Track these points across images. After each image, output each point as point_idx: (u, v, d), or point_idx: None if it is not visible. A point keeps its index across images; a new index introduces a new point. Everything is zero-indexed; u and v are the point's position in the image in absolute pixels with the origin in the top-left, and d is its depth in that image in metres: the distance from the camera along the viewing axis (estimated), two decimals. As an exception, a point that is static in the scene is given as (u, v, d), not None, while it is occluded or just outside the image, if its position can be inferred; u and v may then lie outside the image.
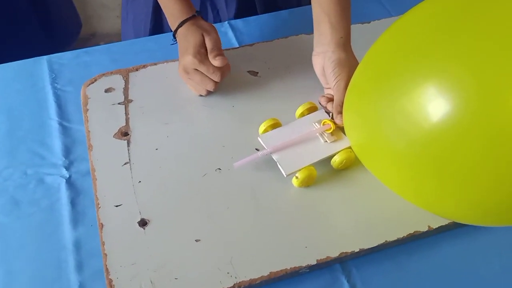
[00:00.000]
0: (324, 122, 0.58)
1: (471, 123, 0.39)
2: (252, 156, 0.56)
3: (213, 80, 0.62)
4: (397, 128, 0.45)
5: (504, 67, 0.38)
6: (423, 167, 0.45)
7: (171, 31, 0.65)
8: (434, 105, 0.41)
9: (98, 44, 0.82)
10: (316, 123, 0.59)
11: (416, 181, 0.47)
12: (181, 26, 0.63)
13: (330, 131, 0.58)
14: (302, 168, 0.55)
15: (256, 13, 0.82)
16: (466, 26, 0.41)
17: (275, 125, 0.60)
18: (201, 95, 0.65)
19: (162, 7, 0.66)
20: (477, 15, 0.41)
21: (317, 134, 0.58)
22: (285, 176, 0.55)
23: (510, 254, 0.55)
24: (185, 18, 0.63)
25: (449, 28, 0.42)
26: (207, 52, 0.61)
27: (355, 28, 0.75)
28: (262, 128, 0.59)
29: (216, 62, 0.60)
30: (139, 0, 0.82)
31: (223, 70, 0.62)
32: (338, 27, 0.61)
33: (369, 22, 0.77)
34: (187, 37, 0.62)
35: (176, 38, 0.64)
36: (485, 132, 0.39)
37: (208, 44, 0.62)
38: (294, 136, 0.57)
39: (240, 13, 0.81)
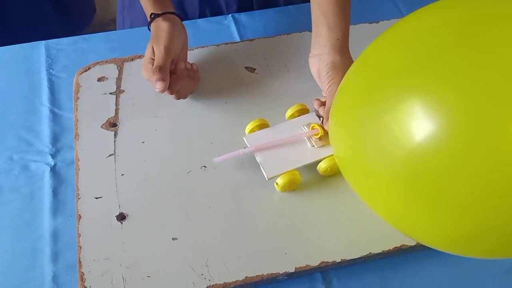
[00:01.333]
0: (313, 126, 0.56)
1: (454, 145, 0.36)
2: (233, 153, 0.54)
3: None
4: (379, 145, 0.42)
5: (492, 91, 0.35)
6: (400, 187, 0.41)
7: None
8: (418, 124, 0.38)
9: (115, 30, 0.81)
10: (305, 126, 0.57)
11: (398, 203, 0.43)
12: (150, 23, 0.62)
13: (318, 136, 0.55)
14: (285, 173, 0.53)
15: None
16: (456, 46, 0.38)
17: (262, 126, 0.58)
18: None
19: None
20: (467, 36, 0.38)
21: (305, 138, 0.56)
22: (267, 179, 0.53)
23: (504, 276, 0.52)
24: (149, 20, 0.62)
25: (438, 46, 0.39)
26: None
27: (363, 28, 0.73)
28: (248, 128, 0.57)
29: (157, 86, 0.56)
30: (136, 6, 0.80)
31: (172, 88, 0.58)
32: (335, 29, 0.58)
33: (377, 22, 0.74)
34: (152, 37, 0.61)
35: None
36: (467, 155, 0.36)
37: (155, 59, 0.58)
38: (280, 138, 0.55)
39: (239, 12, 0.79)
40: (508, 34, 0.37)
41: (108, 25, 1.72)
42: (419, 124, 0.37)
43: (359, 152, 0.44)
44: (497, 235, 0.38)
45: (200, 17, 0.78)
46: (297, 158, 0.54)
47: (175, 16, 0.62)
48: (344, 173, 0.50)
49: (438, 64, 0.38)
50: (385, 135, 0.40)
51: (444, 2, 0.44)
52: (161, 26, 0.60)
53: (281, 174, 0.53)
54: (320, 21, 0.59)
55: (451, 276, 0.52)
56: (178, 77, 0.59)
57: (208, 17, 0.77)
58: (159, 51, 0.58)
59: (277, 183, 0.53)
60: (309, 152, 0.55)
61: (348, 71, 0.50)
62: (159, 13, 0.61)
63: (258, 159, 0.54)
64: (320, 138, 0.55)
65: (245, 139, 0.56)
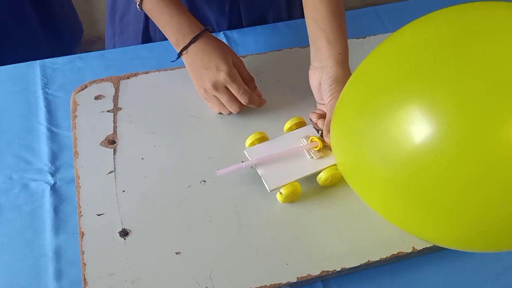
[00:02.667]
0: (312, 139, 0.58)
1: (452, 148, 0.39)
2: (236, 166, 0.55)
3: (239, 103, 0.62)
4: (379, 149, 0.44)
5: (484, 95, 0.38)
6: (405, 190, 0.44)
7: None
8: (416, 128, 0.40)
9: (103, 48, 0.82)
10: (304, 139, 0.58)
11: (397, 204, 0.46)
12: (195, 41, 0.62)
13: (317, 149, 0.57)
14: (286, 184, 0.54)
15: None
16: (448, 55, 0.41)
17: (262, 139, 0.59)
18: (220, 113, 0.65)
19: (161, 26, 0.63)
20: (458, 46, 0.41)
21: (304, 150, 0.58)
22: (268, 191, 0.55)
23: (496, 280, 0.54)
24: (198, 32, 0.62)
25: (432, 56, 0.42)
26: (237, 72, 0.62)
27: (350, 43, 0.75)
28: (248, 141, 0.59)
29: (257, 92, 0.63)
30: (128, 33, 0.81)
31: (251, 95, 0.62)
32: (335, 43, 0.60)
33: (364, 37, 0.76)
34: (208, 53, 0.61)
35: (185, 55, 0.63)
36: (466, 157, 0.38)
37: (243, 70, 0.64)
38: (280, 151, 0.57)
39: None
40: (495, 43, 0.40)
41: (95, 42, 1.73)
42: (417, 128, 0.40)
43: (361, 157, 0.47)
44: (494, 233, 0.41)
45: None
46: (298, 169, 0.56)
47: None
48: (348, 179, 0.52)
49: (433, 71, 0.41)
50: (385, 139, 0.43)
51: (434, 16, 0.46)
52: (218, 40, 0.63)
53: (282, 186, 0.54)
54: (318, 36, 0.61)
55: (446, 282, 0.54)
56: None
57: None
58: (240, 60, 0.64)
59: (280, 193, 0.55)
60: (308, 164, 0.57)
61: (347, 82, 0.52)
62: (200, 31, 0.62)
63: (259, 171, 0.56)
64: (319, 150, 0.57)
65: (246, 152, 0.57)
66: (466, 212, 0.41)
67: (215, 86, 0.61)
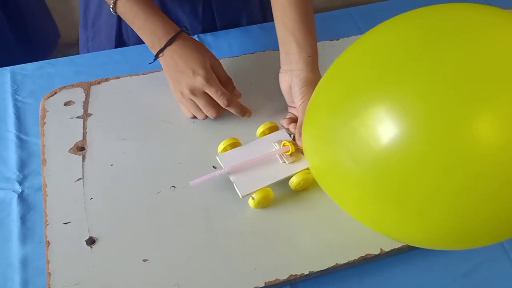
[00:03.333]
0: (284, 143, 0.58)
1: (419, 147, 0.39)
2: (209, 175, 0.55)
3: (216, 108, 0.62)
4: (349, 150, 0.45)
5: (449, 94, 0.38)
6: (376, 191, 0.44)
7: None
8: (385, 128, 0.41)
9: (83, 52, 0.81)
10: (276, 143, 0.58)
11: (370, 205, 0.47)
12: (170, 44, 0.61)
13: (289, 153, 0.57)
14: (258, 190, 0.54)
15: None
16: (414, 56, 0.41)
17: (235, 145, 0.59)
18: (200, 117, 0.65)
19: (136, 29, 0.63)
20: (424, 47, 0.42)
21: (277, 155, 0.58)
22: (240, 197, 0.54)
23: (463, 280, 0.54)
24: (173, 35, 0.61)
25: (399, 57, 0.43)
26: (215, 75, 0.62)
27: (324, 45, 0.75)
28: (221, 147, 0.59)
29: (236, 93, 0.64)
30: (101, 38, 0.80)
31: (230, 97, 0.62)
32: (305, 46, 0.60)
33: (337, 39, 0.77)
34: (185, 56, 0.61)
35: (161, 57, 0.62)
36: (433, 156, 0.39)
37: (220, 71, 0.64)
38: (252, 157, 0.57)
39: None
40: (460, 44, 0.40)
41: (75, 45, 1.72)
42: (384, 127, 0.40)
43: (332, 159, 0.47)
44: (464, 227, 0.41)
45: None
46: (270, 174, 0.56)
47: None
48: (320, 182, 0.52)
49: (400, 72, 0.41)
50: (354, 139, 0.43)
51: (402, 18, 0.47)
52: (195, 42, 0.63)
53: (254, 192, 0.54)
54: (287, 39, 0.61)
55: (414, 283, 0.54)
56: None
57: None
58: (218, 62, 0.64)
59: (253, 198, 0.55)
60: (281, 169, 0.57)
61: (318, 84, 0.52)
62: (176, 33, 0.62)
63: (231, 178, 0.55)
64: (291, 155, 0.57)
65: (218, 159, 0.57)
66: (436, 209, 0.41)
67: (192, 91, 0.61)
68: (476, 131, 0.38)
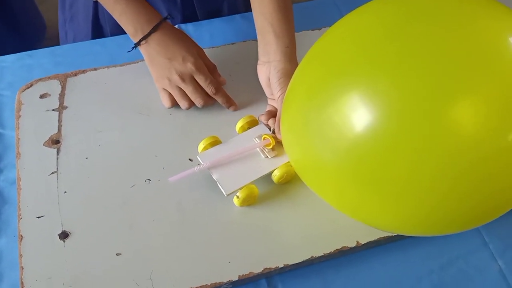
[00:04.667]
0: (264, 137, 0.57)
1: (394, 134, 0.39)
2: (189, 171, 0.54)
3: (203, 95, 0.62)
4: (325, 139, 0.44)
5: (422, 80, 0.38)
6: (353, 178, 0.44)
7: None
8: (358, 115, 0.40)
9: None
10: (257, 139, 0.58)
11: (348, 193, 0.46)
12: (155, 31, 0.61)
13: (270, 147, 0.56)
14: (243, 187, 0.54)
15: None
16: (388, 42, 0.41)
17: (215, 143, 0.58)
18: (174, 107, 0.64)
19: (116, 15, 0.61)
20: (399, 32, 0.41)
21: (258, 150, 0.57)
22: (225, 195, 0.54)
23: (440, 272, 0.54)
24: (157, 22, 0.61)
25: (372, 43, 0.42)
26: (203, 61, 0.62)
27: (305, 35, 0.74)
28: (201, 146, 0.58)
29: (221, 80, 0.64)
30: (78, 20, 0.79)
31: (218, 85, 0.62)
32: (283, 36, 0.59)
33: (319, 29, 0.75)
34: (172, 43, 0.61)
35: (144, 45, 0.61)
36: (406, 142, 0.39)
37: (205, 59, 0.63)
38: (233, 152, 0.56)
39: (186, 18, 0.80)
40: (435, 30, 0.40)
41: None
42: (358, 115, 0.40)
43: (309, 149, 0.46)
44: (440, 212, 0.41)
45: None
46: (253, 170, 0.55)
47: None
48: (301, 175, 0.52)
49: (374, 58, 0.41)
50: (329, 127, 0.43)
51: (379, 2, 0.46)
52: (177, 30, 0.63)
53: (238, 189, 0.54)
54: (266, 29, 0.60)
55: (391, 274, 0.54)
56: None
57: None
58: (202, 50, 0.64)
59: (237, 196, 0.54)
60: (263, 163, 0.56)
61: (294, 74, 0.51)
62: (160, 21, 0.61)
63: (214, 177, 0.54)
64: (273, 149, 0.56)
65: (199, 158, 0.56)
66: (411, 194, 0.41)
67: (182, 77, 0.61)
68: (450, 117, 0.38)
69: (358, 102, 0.40)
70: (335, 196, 0.49)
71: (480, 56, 0.38)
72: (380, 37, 0.42)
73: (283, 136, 0.54)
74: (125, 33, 0.77)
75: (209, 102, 0.63)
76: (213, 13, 0.80)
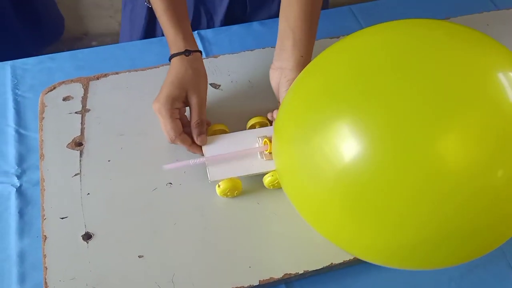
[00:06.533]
0: (265, 141, 0.58)
1: (381, 166, 0.38)
2: (184, 163, 0.56)
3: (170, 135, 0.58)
4: (311, 164, 0.43)
5: (415, 116, 0.37)
6: (332, 204, 0.43)
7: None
8: (347, 145, 0.40)
9: (89, 45, 0.81)
10: (260, 138, 0.58)
11: (323, 215, 0.45)
12: (176, 56, 0.60)
13: (268, 151, 0.57)
14: (227, 179, 0.55)
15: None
16: (381, 72, 0.40)
17: (222, 131, 0.60)
18: None
19: (160, 24, 0.61)
20: (393, 62, 0.41)
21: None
22: (209, 181, 0.55)
23: (459, 280, 0.54)
24: (176, 52, 0.59)
25: (368, 70, 0.41)
26: (178, 106, 0.58)
27: (323, 43, 0.75)
28: (209, 131, 0.60)
29: (199, 140, 0.58)
30: (134, 22, 0.81)
31: (175, 139, 0.58)
32: (301, 45, 0.60)
33: (338, 37, 0.76)
34: (173, 75, 0.59)
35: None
36: (394, 175, 0.38)
37: (194, 110, 0.58)
38: (234, 147, 0.57)
39: (231, 18, 0.81)
40: (423, 62, 0.39)
41: (82, 39, 1.72)
42: (347, 144, 0.39)
43: (295, 170, 0.46)
44: (428, 246, 0.40)
45: None
46: (244, 167, 0.56)
47: (200, 55, 0.62)
48: (284, 187, 0.51)
49: (364, 88, 0.40)
50: (317, 155, 0.42)
51: (366, 33, 0.46)
52: (197, 68, 0.60)
53: (223, 180, 0.55)
54: (286, 35, 0.60)
55: (410, 283, 0.54)
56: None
57: None
58: (201, 102, 0.59)
59: (219, 186, 0.55)
60: (256, 164, 0.57)
61: (289, 90, 0.51)
62: (192, 50, 0.60)
63: (206, 161, 0.56)
64: (270, 152, 0.57)
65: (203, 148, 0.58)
66: (399, 226, 0.40)
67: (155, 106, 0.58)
68: (438, 151, 0.37)
69: (347, 132, 0.39)
70: (321, 222, 0.47)
71: (470, 91, 0.38)
72: (372, 67, 0.41)
73: (273, 144, 0.53)
74: (152, 36, 0.78)
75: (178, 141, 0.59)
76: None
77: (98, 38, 1.71)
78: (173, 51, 0.60)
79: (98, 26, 1.75)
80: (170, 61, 0.61)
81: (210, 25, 0.81)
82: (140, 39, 0.82)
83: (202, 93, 0.60)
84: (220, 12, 0.80)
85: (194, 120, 0.58)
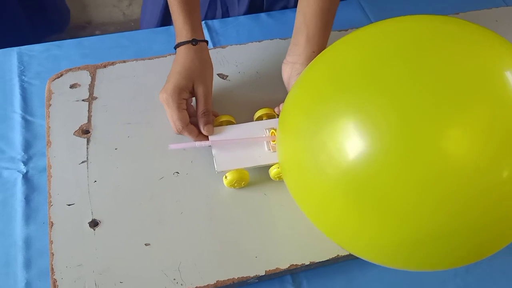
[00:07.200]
0: (272, 132, 0.57)
1: (385, 163, 0.38)
2: (190, 144, 0.56)
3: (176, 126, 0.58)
4: (315, 160, 0.43)
5: (422, 112, 0.37)
6: (335, 200, 0.42)
7: None
8: (351, 141, 0.39)
9: (93, 33, 0.81)
10: (268, 130, 0.58)
11: (325, 211, 0.45)
12: (182, 45, 0.59)
13: (274, 142, 0.57)
14: (234, 170, 0.55)
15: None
16: (387, 67, 0.40)
17: (229, 122, 0.60)
18: None
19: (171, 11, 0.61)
20: (404, 57, 0.40)
21: (264, 141, 0.57)
22: (216, 172, 0.55)
23: (465, 274, 0.54)
24: (183, 40, 0.59)
25: (374, 65, 0.41)
26: (186, 97, 0.57)
27: (331, 35, 0.74)
28: (215, 123, 0.59)
29: (205, 129, 0.57)
30: (152, 10, 0.81)
31: (183, 130, 0.57)
32: (313, 41, 0.60)
33: (346, 30, 0.76)
34: (179, 64, 0.58)
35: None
36: (399, 170, 0.37)
37: (201, 100, 0.58)
38: (240, 137, 0.57)
39: (250, 11, 0.80)
40: (430, 57, 0.39)
41: (85, 28, 1.72)
42: (352, 141, 0.39)
43: (298, 163, 0.45)
44: (431, 245, 0.40)
45: None
46: (251, 158, 0.56)
47: (206, 45, 0.61)
48: (286, 180, 0.51)
49: (371, 81, 0.40)
50: (321, 150, 0.41)
51: (372, 29, 0.45)
52: (203, 58, 0.59)
53: (230, 170, 0.55)
54: (301, 30, 0.60)
55: (416, 276, 0.54)
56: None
57: None
58: (207, 92, 0.58)
59: (226, 177, 0.55)
60: (264, 155, 0.56)
61: (294, 84, 0.50)
62: (200, 39, 0.59)
63: (213, 151, 0.56)
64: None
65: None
66: (399, 223, 0.39)
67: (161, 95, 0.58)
68: (444, 148, 0.36)
69: (352, 126, 0.39)
70: (322, 217, 0.47)
71: (478, 87, 0.37)
72: (379, 61, 0.41)
73: (277, 136, 0.52)
74: (154, 26, 0.78)
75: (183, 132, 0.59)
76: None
77: (102, 27, 1.71)
78: (180, 39, 0.60)
79: (102, 15, 1.75)
80: (175, 50, 0.60)
81: (225, 18, 0.81)
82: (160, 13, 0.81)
83: (209, 83, 0.60)
84: (235, 5, 0.79)
85: (201, 110, 0.58)
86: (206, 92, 0.58)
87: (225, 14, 0.81)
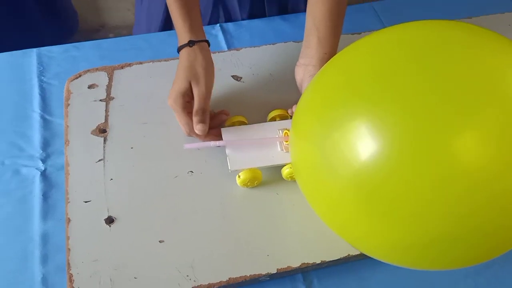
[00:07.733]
0: (285, 132, 0.58)
1: (398, 163, 0.38)
2: (205, 143, 0.57)
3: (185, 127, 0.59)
4: (328, 160, 0.43)
5: (435, 116, 0.37)
6: (347, 201, 0.43)
7: None
8: (363, 143, 0.40)
9: (106, 36, 0.83)
10: (280, 131, 0.59)
11: (336, 211, 0.45)
12: (182, 49, 0.60)
13: (287, 143, 0.57)
14: (248, 169, 0.55)
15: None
16: (400, 70, 0.40)
17: (241, 123, 0.61)
18: None
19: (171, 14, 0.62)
20: (417, 59, 0.41)
21: (277, 141, 0.58)
22: (229, 171, 0.56)
23: (476, 276, 0.54)
24: (182, 44, 0.60)
25: (388, 70, 0.41)
26: (189, 99, 0.59)
27: (344, 39, 0.75)
28: (228, 121, 0.61)
29: (197, 128, 0.57)
30: (152, 12, 0.82)
31: (192, 130, 0.58)
32: (325, 43, 0.60)
33: (359, 33, 0.76)
34: (180, 68, 0.60)
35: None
36: (410, 173, 0.38)
37: (195, 100, 0.58)
38: (254, 137, 0.58)
39: (252, 17, 0.81)
40: (442, 61, 0.39)
41: (99, 31, 1.74)
42: (364, 144, 0.39)
43: (311, 165, 0.46)
44: (441, 246, 0.40)
45: None
46: (264, 158, 0.57)
47: (207, 45, 0.62)
48: (298, 181, 0.51)
49: (384, 85, 0.40)
50: (334, 152, 0.42)
51: (383, 33, 0.46)
52: (199, 58, 0.59)
53: (243, 170, 0.55)
54: (311, 32, 0.61)
55: (427, 277, 0.54)
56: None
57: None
58: (201, 92, 0.58)
59: (239, 176, 0.56)
60: (277, 155, 0.57)
61: (309, 84, 0.51)
62: (197, 40, 0.60)
63: (227, 151, 0.57)
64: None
65: (221, 130, 0.59)
66: (409, 225, 0.40)
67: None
68: (456, 152, 0.37)
69: (364, 130, 0.39)
70: (334, 217, 0.47)
71: (489, 92, 0.38)
72: (391, 65, 0.41)
73: (290, 137, 0.53)
74: (170, 29, 0.79)
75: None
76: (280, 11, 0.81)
77: (115, 30, 1.73)
78: (180, 43, 0.61)
79: (115, 19, 1.77)
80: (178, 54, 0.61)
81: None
82: (160, 23, 0.82)
83: (206, 82, 0.59)
84: (237, 12, 0.80)
85: (194, 109, 0.58)
86: (200, 91, 0.58)
87: (228, 21, 0.82)
